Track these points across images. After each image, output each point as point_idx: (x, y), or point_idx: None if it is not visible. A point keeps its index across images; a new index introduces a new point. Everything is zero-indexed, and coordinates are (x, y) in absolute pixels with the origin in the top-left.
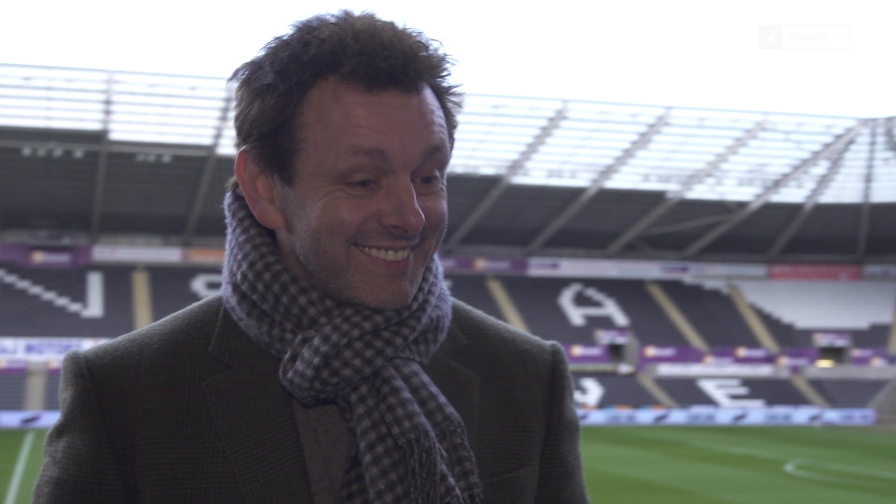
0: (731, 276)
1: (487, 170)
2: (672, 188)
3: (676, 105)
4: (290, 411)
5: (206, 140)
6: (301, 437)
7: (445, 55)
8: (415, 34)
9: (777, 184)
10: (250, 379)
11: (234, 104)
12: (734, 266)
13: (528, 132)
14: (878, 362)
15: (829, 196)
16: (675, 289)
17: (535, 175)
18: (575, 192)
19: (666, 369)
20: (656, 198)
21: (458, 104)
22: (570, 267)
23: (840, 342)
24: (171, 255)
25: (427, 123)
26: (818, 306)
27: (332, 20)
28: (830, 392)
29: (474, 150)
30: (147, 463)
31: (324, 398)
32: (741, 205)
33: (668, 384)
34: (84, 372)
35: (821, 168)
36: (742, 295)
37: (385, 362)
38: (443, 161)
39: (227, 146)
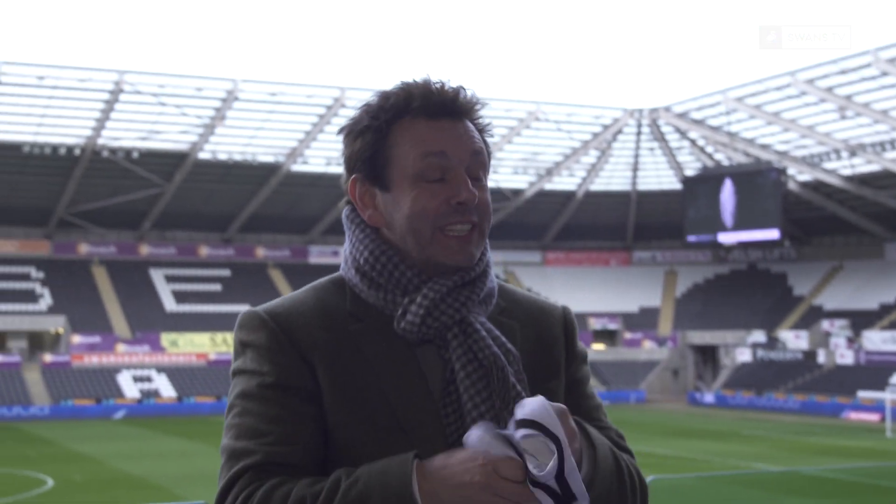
0: (507, 262)
1: (266, 157)
2: None
3: None
4: (407, 346)
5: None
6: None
7: (476, 99)
8: (453, 87)
9: (550, 172)
10: (379, 327)
11: (341, 152)
12: (510, 252)
13: (307, 120)
14: (648, 344)
15: (599, 184)
16: None
17: (314, 163)
18: None
19: None
20: None
21: (491, 135)
22: None
23: (612, 325)
24: None
25: (470, 136)
26: (591, 291)
27: (399, 86)
28: (604, 374)
29: (252, 138)
30: (323, 373)
31: (426, 339)
32: (516, 193)
33: None
34: (268, 321)
35: (591, 157)
36: (519, 281)
37: (466, 314)
38: (483, 164)
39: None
